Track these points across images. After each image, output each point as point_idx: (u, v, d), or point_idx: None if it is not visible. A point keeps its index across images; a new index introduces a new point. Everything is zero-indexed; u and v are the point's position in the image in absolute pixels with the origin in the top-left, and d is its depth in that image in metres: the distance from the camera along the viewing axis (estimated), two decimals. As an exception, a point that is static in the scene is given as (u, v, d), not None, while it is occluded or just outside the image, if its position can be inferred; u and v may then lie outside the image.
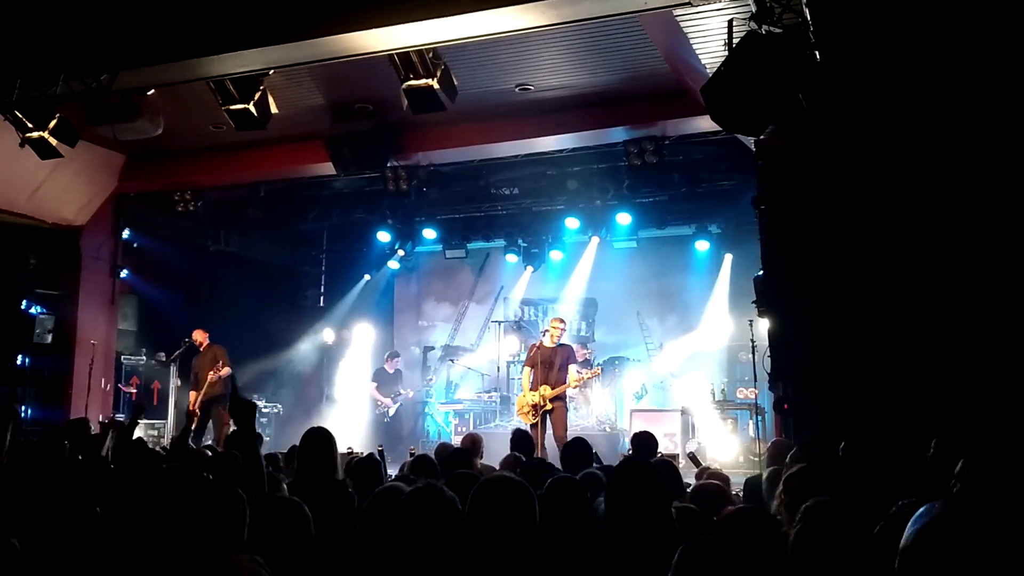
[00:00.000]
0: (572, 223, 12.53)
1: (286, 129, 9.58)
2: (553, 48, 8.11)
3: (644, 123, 9.52)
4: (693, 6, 5.76)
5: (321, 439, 4.20)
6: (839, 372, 7.14)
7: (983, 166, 6.73)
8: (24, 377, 10.76)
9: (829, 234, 7.38)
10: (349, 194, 12.81)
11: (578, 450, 5.31)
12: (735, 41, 5.45)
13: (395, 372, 13.45)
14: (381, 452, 6.17)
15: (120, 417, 11.34)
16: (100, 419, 10.59)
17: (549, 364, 9.38)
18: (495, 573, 2.46)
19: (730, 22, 5.62)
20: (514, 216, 13.02)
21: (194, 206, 12.07)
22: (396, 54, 6.73)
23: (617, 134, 9.84)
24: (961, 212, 6.79)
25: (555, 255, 13.66)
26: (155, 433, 11.46)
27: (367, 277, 15.04)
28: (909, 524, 1.43)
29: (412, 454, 6.29)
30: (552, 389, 9.25)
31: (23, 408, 10.52)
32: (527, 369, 9.62)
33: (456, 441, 9.22)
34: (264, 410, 13.11)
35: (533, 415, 9.27)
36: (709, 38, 6.66)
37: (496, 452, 7.10)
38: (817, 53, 5.60)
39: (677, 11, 6.14)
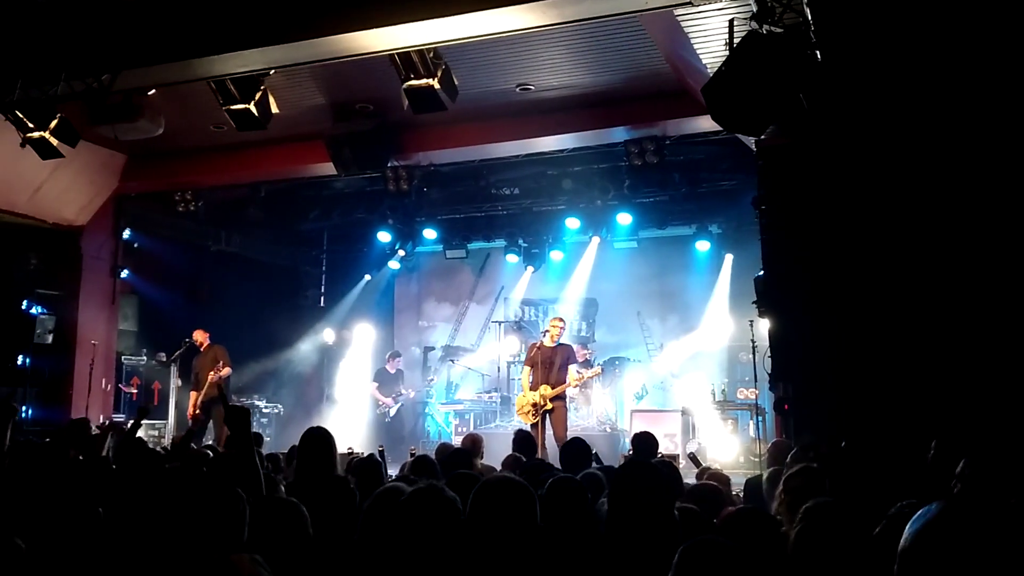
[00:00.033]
0: (573, 223, 12.53)
1: (287, 129, 9.58)
2: (554, 48, 8.11)
3: (645, 123, 9.51)
4: (694, 6, 5.76)
5: (320, 438, 4.20)
6: (840, 372, 7.13)
7: (984, 166, 6.72)
8: (25, 377, 10.76)
9: (830, 234, 7.38)
10: (350, 194, 12.82)
11: (577, 450, 5.31)
12: (736, 41, 5.45)
13: (396, 372, 13.45)
14: (382, 452, 6.17)
15: (120, 418, 11.36)
16: (100, 420, 10.60)
17: (549, 364, 9.38)
18: (496, 573, 2.46)
19: (731, 22, 5.62)
20: (515, 216, 13.02)
21: (195, 206, 12.08)
22: (397, 54, 6.73)
23: (618, 134, 9.83)
24: (962, 212, 6.78)
25: (555, 255, 13.66)
26: (155, 433, 11.46)
27: (367, 277, 15.05)
28: (908, 525, 1.43)
29: (413, 454, 6.29)
30: (552, 389, 9.26)
31: (25, 408, 10.52)
32: (527, 368, 9.62)
33: (457, 441, 9.21)
34: (264, 410, 13.13)
35: (533, 415, 9.27)
36: (710, 38, 6.66)
37: (497, 452, 7.10)
38: (818, 53, 5.60)
39: (678, 11, 6.14)
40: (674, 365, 12.67)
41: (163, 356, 12.36)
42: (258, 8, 6.67)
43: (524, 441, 6.73)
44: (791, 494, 3.18)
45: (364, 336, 14.84)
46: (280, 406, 13.50)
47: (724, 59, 5.56)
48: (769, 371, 7.88)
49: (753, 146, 8.26)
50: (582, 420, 11.66)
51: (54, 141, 7.52)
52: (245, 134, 8.23)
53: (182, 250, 13.58)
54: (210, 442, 9.79)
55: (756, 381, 8.81)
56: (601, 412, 11.93)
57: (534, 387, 9.34)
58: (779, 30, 5.30)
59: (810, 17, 5.52)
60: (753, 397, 9.88)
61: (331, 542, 3.08)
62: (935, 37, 6.33)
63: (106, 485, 4.02)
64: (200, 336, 10.89)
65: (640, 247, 13.13)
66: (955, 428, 4.30)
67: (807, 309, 7.44)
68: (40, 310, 11.01)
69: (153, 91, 7.75)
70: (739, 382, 12.00)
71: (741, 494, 5.16)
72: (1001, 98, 6.57)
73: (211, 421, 10.48)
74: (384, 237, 13.61)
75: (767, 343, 8.06)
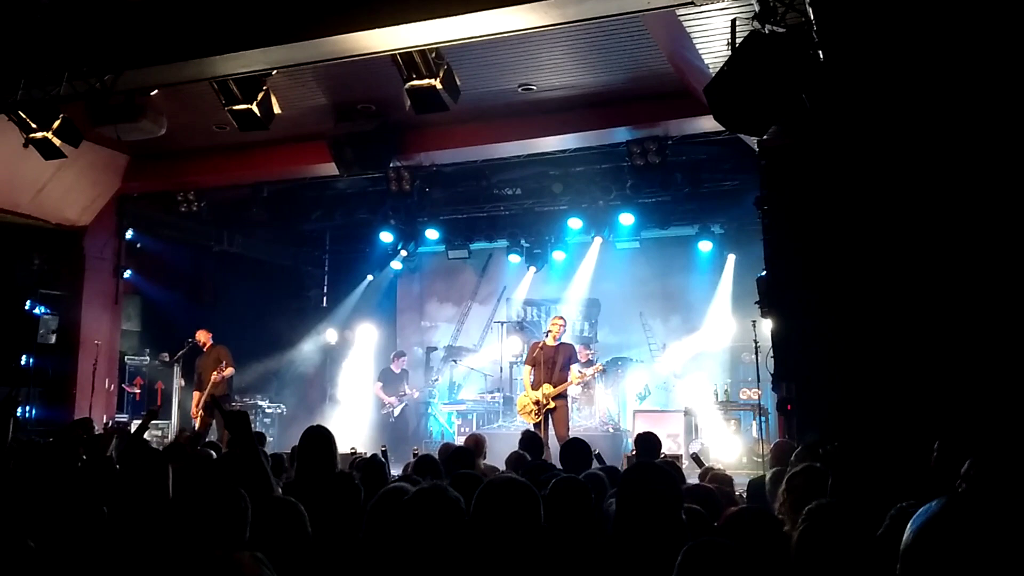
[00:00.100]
0: (575, 223, 12.52)
1: (289, 129, 9.59)
2: (556, 48, 8.10)
3: (647, 123, 9.51)
4: (696, 6, 5.75)
5: (320, 437, 4.22)
6: (843, 372, 7.12)
7: (987, 167, 6.71)
8: (28, 377, 10.77)
9: (832, 234, 7.37)
10: (352, 194, 12.82)
11: (577, 450, 5.32)
12: (738, 40, 5.44)
13: (401, 372, 13.47)
14: (384, 453, 6.18)
15: (123, 418, 11.38)
16: (104, 420, 10.62)
17: (551, 363, 9.39)
18: (499, 573, 2.47)
19: (733, 21, 5.61)
20: (517, 216, 13.00)
21: (197, 206, 12.09)
22: (399, 54, 6.73)
23: (620, 134, 9.83)
24: (965, 212, 6.77)
25: (558, 255, 13.66)
26: (159, 434, 11.47)
27: (370, 277, 15.06)
28: (909, 524, 1.42)
29: (416, 455, 6.30)
30: (554, 388, 9.26)
31: (28, 408, 10.54)
32: (528, 367, 9.62)
33: (459, 442, 9.22)
34: (267, 411, 13.14)
35: (536, 414, 9.27)
36: (712, 38, 6.65)
37: (499, 452, 7.11)
38: (820, 53, 5.59)
39: (680, 11, 6.13)
40: (676, 365, 12.66)
41: (166, 356, 12.38)
42: (260, 8, 6.68)
43: (531, 441, 6.72)
44: (794, 493, 3.18)
45: (366, 336, 14.86)
46: (283, 406, 13.51)
47: (726, 59, 5.55)
48: (772, 371, 7.88)
49: (755, 146, 8.25)
50: (585, 420, 11.66)
51: (57, 141, 7.53)
52: (247, 134, 8.24)
53: (185, 250, 13.61)
54: (212, 439, 9.81)
55: (759, 381, 8.81)
56: (604, 412, 11.93)
57: (536, 386, 9.34)
58: (781, 30, 5.29)
59: (812, 17, 5.51)
60: (756, 397, 9.89)
61: (335, 540, 3.08)
62: (938, 37, 6.32)
63: (110, 485, 4.03)
64: (203, 336, 10.91)
65: (642, 247, 13.13)
66: (959, 428, 4.29)
67: (809, 309, 7.43)
68: (43, 310, 11.03)
69: (156, 91, 7.75)
70: (742, 382, 11.99)
71: (744, 495, 5.16)
72: (1005, 98, 6.56)
73: (214, 421, 10.49)
74: (386, 237, 13.60)
75: (770, 343, 8.06)
